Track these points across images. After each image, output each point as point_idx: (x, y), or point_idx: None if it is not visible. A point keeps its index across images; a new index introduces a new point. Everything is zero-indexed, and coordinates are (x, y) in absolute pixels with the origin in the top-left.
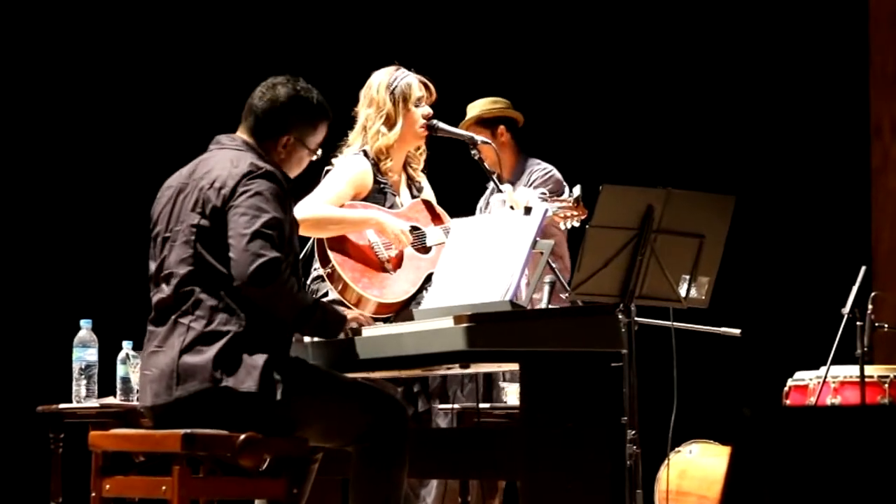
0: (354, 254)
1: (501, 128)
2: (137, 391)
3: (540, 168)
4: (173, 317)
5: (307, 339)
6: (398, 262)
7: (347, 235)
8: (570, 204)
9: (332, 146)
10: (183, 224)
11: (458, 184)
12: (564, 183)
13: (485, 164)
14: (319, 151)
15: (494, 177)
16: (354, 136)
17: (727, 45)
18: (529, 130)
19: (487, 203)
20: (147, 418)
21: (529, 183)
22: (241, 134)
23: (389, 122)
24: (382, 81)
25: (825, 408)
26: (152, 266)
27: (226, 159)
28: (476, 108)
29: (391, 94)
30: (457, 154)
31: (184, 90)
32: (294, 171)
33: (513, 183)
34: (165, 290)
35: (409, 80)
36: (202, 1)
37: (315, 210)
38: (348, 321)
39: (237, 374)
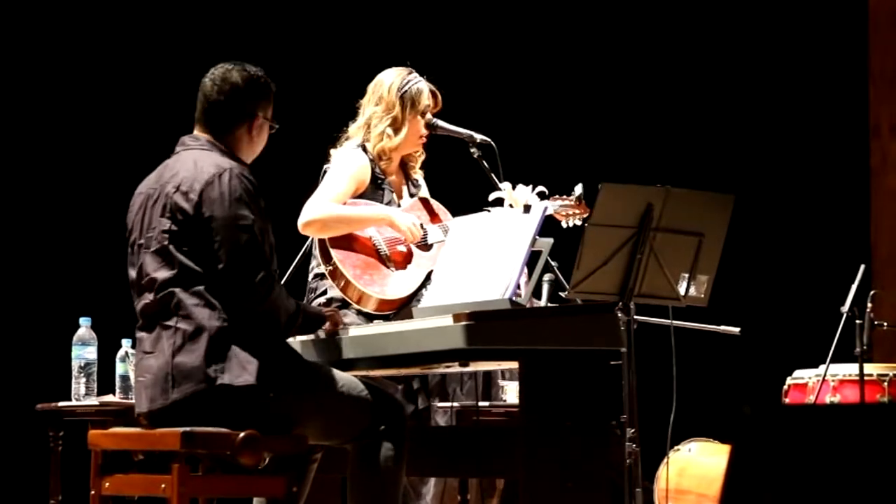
0: (356, 250)
1: None
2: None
3: None
4: (159, 321)
5: (303, 337)
6: (402, 258)
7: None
8: (572, 202)
9: (331, 138)
10: (155, 230)
11: (457, 183)
12: None
13: (483, 161)
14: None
15: (492, 175)
16: (356, 130)
17: (727, 45)
18: (531, 129)
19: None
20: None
21: None
22: (202, 131)
23: (396, 126)
24: (394, 83)
25: (824, 406)
26: (132, 273)
27: (189, 161)
28: None
29: (401, 97)
30: (456, 153)
31: (187, 88)
32: (259, 149)
33: None
34: (149, 296)
35: (421, 87)
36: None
37: (323, 210)
38: (325, 318)
39: (231, 369)
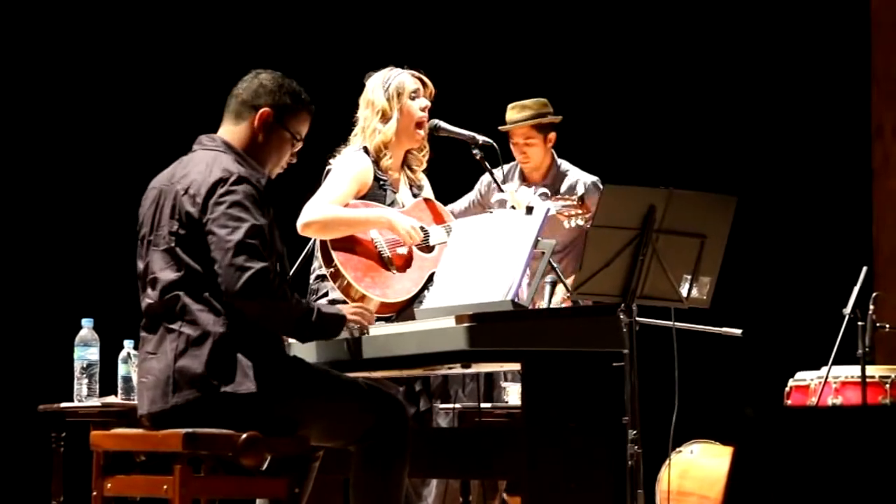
0: (358, 253)
1: (553, 134)
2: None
3: (584, 177)
4: (163, 323)
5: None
6: (403, 261)
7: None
8: (574, 202)
9: (332, 150)
10: (163, 230)
11: (459, 184)
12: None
13: (486, 163)
14: (301, 144)
15: (495, 176)
16: (354, 138)
17: (730, 46)
18: None
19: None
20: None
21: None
22: (223, 131)
23: (385, 117)
24: (377, 82)
25: (827, 408)
26: (140, 266)
27: (202, 162)
28: (533, 111)
29: (385, 91)
30: (459, 154)
31: (193, 91)
32: (275, 159)
33: (547, 186)
34: (152, 294)
35: (402, 77)
36: (202, 3)
37: (323, 211)
38: (347, 319)
39: (234, 376)
